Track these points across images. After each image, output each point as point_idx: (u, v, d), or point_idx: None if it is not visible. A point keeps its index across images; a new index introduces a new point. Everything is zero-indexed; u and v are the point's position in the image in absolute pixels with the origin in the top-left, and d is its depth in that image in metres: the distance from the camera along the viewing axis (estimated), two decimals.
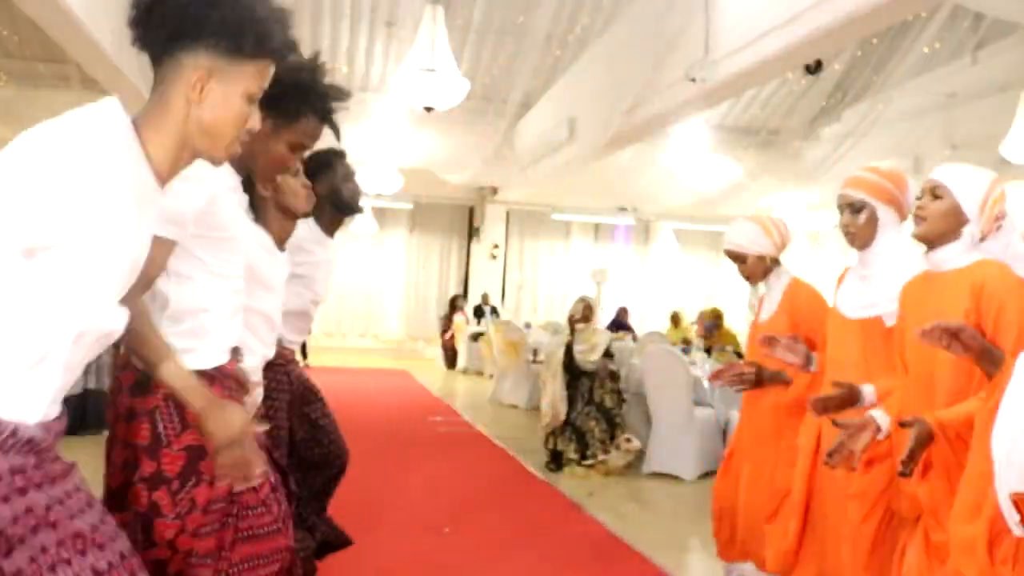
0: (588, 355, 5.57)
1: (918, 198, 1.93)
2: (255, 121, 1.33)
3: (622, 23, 7.38)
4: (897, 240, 2.11)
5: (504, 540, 3.94)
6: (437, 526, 4.05)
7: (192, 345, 1.61)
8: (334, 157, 2.70)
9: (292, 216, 2.19)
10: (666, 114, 6.92)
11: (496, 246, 14.03)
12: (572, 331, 5.70)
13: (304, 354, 11.55)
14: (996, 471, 1.48)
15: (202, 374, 1.56)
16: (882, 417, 1.87)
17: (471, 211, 14.28)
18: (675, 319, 11.55)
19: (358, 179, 2.80)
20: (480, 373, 11.38)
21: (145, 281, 1.44)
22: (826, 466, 1.88)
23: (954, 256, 1.86)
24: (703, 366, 5.77)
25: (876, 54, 8.46)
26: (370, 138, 10.30)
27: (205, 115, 1.26)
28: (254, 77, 1.29)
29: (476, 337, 11.61)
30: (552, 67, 9.32)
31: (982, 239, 1.83)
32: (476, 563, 3.61)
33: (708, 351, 6.69)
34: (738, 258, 2.68)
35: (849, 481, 2.03)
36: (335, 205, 2.71)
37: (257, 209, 2.03)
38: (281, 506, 1.76)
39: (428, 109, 6.56)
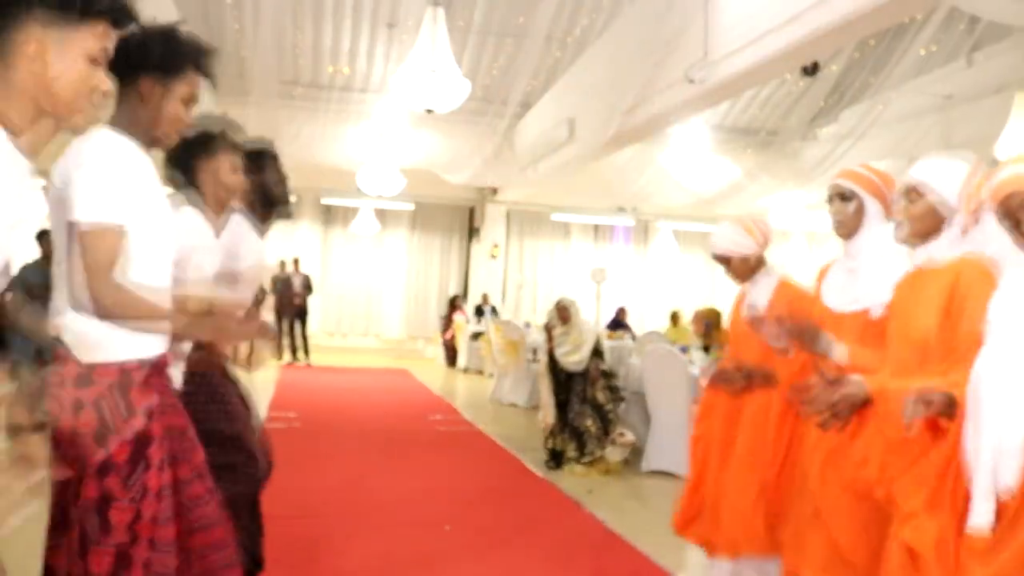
0: (572, 355, 5.58)
1: (885, 220, 2.02)
2: (104, 82, 1.37)
3: (622, 24, 7.40)
4: (882, 234, 2.16)
5: (504, 538, 3.95)
6: (438, 524, 4.06)
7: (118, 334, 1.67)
8: (267, 157, 2.73)
9: (223, 205, 2.32)
10: (665, 114, 6.94)
11: (496, 246, 14.05)
12: (550, 338, 5.73)
13: (306, 352, 11.61)
14: (980, 468, 1.51)
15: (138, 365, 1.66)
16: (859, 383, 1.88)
17: (471, 211, 14.31)
18: (674, 318, 11.59)
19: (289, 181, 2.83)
20: (480, 372, 11.40)
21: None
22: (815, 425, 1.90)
23: (939, 251, 1.87)
24: (702, 365, 5.80)
25: (873, 56, 8.49)
26: (371, 139, 10.33)
27: (49, 80, 1.30)
28: (92, 39, 1.34)
29: (476, 336, 11.64)
30: (552, 68, 9.35)
31: (964, 232, 1.83)
32: (477, 560, 3.62)
33: (707, 350, 6.71)
34: (723, 260, 2.75)
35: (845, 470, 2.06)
36: (263, 205, 2.74)
37: (196, 200, 2.19)
38: (218, 496, 1.84)
39: (429, 110, 6.59)
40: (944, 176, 1.87)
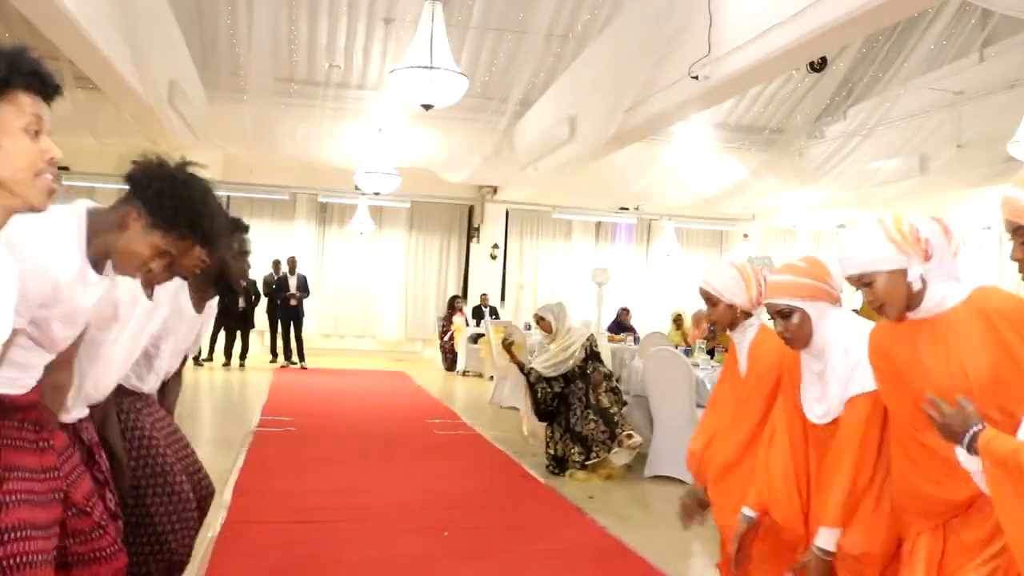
0: (559, 359, 5.48)
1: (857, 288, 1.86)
2: (51, 149, 1.30)
3: (623, 20, 7.31)
4: (835, 325, 2.06)
5: (504, 544, 3.88)
6: (436, 530, 3.99)
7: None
8: (235, 230, 2.62)
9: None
10: (668, 112, 6.86)
11: (496, 246, 13.94)
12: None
13: (301, 355, 11.49)
14: None
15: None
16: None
17: (471, 211, 14.21)
18: (677, 321, 11.45)
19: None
20: (480, 375, 11.30)
21: None
22: None
23: (943, 295, 1.76)
24: (706, 368, 5.70)
25: (882, 51, 8.37)
26: (368, 136, 10.23)
27: (1, 171, 1.25)
28: (20, 112, 1.27)
29: (475, 339, 11.53)
30: (552, 65, 9.24)
31: (927, 260, 1.75)
32: (475, 567, 3.56)
33: (711, 353, 6.61)
34: (709, 300, 2.55)
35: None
36: (216, 281, 2.64)
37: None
38: (115, 527, 1.82)
39: (427, 107, 6.48)
40: (871, 251, 1.78)
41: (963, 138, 8.32)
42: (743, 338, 2.50)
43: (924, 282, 1.75)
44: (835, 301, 2.10)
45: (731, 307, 2.50)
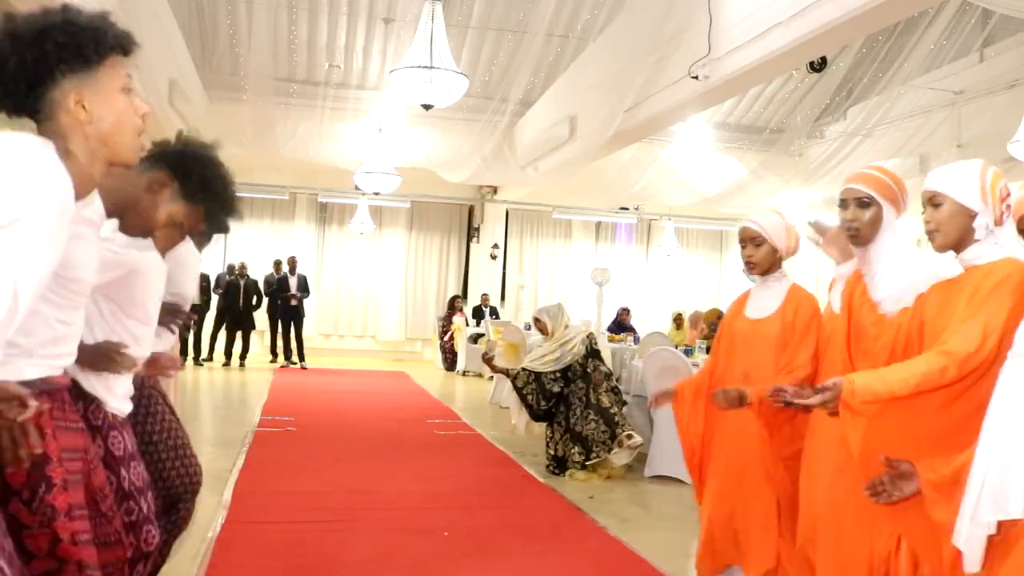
0: (557, 355, 5.49)
1: (922, 212, 1.91)
2: (141, 106, 1.47)
3: (624, 20, 7.30)
4: (896, 241, 2.10)
5: (504, 544, 3.87)
6: (436, 530, 3.98)
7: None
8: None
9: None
10: (668, 112, 6.86)
11: (496, 246, 13.93)
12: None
13: (301, 355, 11.49)
14: (968, 502, 1.43)
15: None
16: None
17: (470, 211, 14.20)
18: (677, 320, 11.45)
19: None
20: (480, 375, 11.29)
21: None
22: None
23: (982, 253, 1.83)
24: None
25: (882, 51, 8.37)
26: (368, 136, 10.23)
27: (102, 127, 1.41)
28: (115, 73, 1.44)
29: (475, 339, 11.52)
30: (553, 64, 9.24)
31: (997, 223, 1.82)
32: (475, 567, 3.55)
33: (710, 352, 6.59)
34: (753, 240, 2.61)
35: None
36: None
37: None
38: (118, 518, 1.85)
39: (427, 107, 6.48)
40: (960, 179, 1.84)
41: (963, 138, 8.31)
42: (777, 286, 2.60)
43: (981, 235, 1.81)
44: (899, 215, 2.13)
45: (773, 250, 2.60)
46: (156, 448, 2.42)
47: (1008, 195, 1.83)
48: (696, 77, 5.73)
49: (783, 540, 2.48)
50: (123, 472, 1.96)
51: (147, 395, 2.44)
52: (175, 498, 2.47)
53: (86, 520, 1.66)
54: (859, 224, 2.08)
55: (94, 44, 1.41)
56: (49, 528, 1.57)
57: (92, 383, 1.89)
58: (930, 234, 1.87)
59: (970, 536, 1.42)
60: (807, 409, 2.09)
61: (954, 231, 1.83)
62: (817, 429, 2.19)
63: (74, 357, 1.68)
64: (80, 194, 1.38)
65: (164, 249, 2.15)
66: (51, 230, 1.28)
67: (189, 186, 1.93)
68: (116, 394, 1.96)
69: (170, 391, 2.91)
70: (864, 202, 2.08)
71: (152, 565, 2.11)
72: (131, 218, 1.91)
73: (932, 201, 1.85)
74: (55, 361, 1.63)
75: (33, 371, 1.60)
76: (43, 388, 1.62)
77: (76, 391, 1.82)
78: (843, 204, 2.13)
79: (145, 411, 2.44)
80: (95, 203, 1.59)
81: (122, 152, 1.45)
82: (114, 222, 2.02)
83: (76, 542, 1.60)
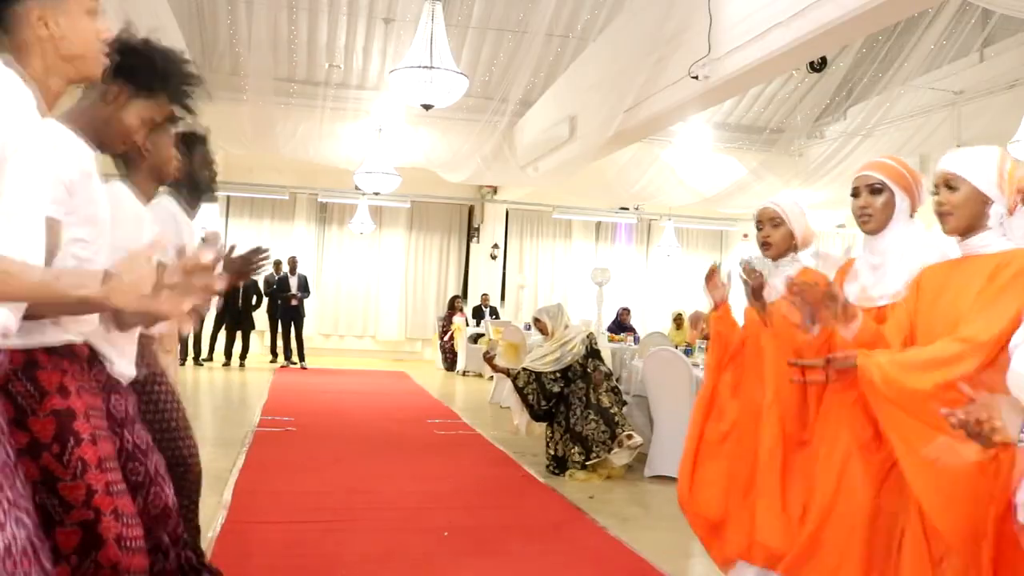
0: (557, 355, 5.49)
1: (934, 193, 1.89)
2: (106, 29, 1.48)
3: (624, 19, 7.30)
4: (908, 230, 2.09)
5: (504, 544, 3.87)
6: (436, 530, 3.98)
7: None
8: (195, 139, 2.72)
9: (159, 180, 2.32)
10: (668, 112, 6.86)
11: (496, 246, 13.94)
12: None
13: (301, 355, 11.49)
14: None
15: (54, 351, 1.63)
16: None
17: (470, 211, 14.20)
18: (677, 320, 11.44)
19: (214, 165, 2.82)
20: (480, 375, 11.29)
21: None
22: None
23: (990, 242, 1.83)
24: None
25: (882, 51, 8.37)
26: (368, 136, 10.23)
27: (63, 45, 1.40)
28: None
29: (475, 339, 11.52)
30: (553, 64, 9.24)
31: (1010, 214, 1.81)
32: (475, 567, 3.54)
33: None
34: (772, 220, 2.60)
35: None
36: (190, 189, 2.76)
37: (129, 166, 2.19)
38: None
39: (427, 107, 6.49)
40: (978, 164, 1.83)
41: (963, 138, 8.31)
42: (789, 270, 2.57)
43: (993, 223, 1.81)
44: (914, 210, 2.13)
45: (791, 235, 2.60)
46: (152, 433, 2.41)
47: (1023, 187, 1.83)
48: (696, 77, 5.73)
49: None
50: (125, 434, 1.96)
51: (145, 376, 2.41)
52: (183, 481, 2.47)
53: (119, 471, 1.71)
54: (871, 210, 2.08)
55: None
56: (83, 480, 1.61)
57: (103, 344, 1.89)
58: (942, 216, 1.86)
59: None
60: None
61: (967, 217, 1.83)
62: (829, 416, 2.17)
63: (95, 324, 1.71)
64: (41, 110, 1.38)
65: (147, 197, 2.15)
66: (34, 148, 1.29)
67: (140, 79, 1.88)
68: (125, 357, 1.97)
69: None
70: (876, 188, 2.08)
71: (175, 534, 2.13)
72: (110, 139, 1.89)
73: (948, 183, 1.84)
74: (81, 327, 1.68)
75: (57, 336, 1.65)
76: (66, 353, 1.67)
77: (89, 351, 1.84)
78: (855, 192, 2.13)
79: (141, 391, 2.41)
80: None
81: (83, 70, 1.45)
82: None
83: (111, 492, 1.65)
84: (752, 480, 2.49)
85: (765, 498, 2.39)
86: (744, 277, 2.49)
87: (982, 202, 1.82)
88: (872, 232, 2.11)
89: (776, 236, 2.60)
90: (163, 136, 2.26)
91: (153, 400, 2.46)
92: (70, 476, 1.61)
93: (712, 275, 2.74)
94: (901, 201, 2.08)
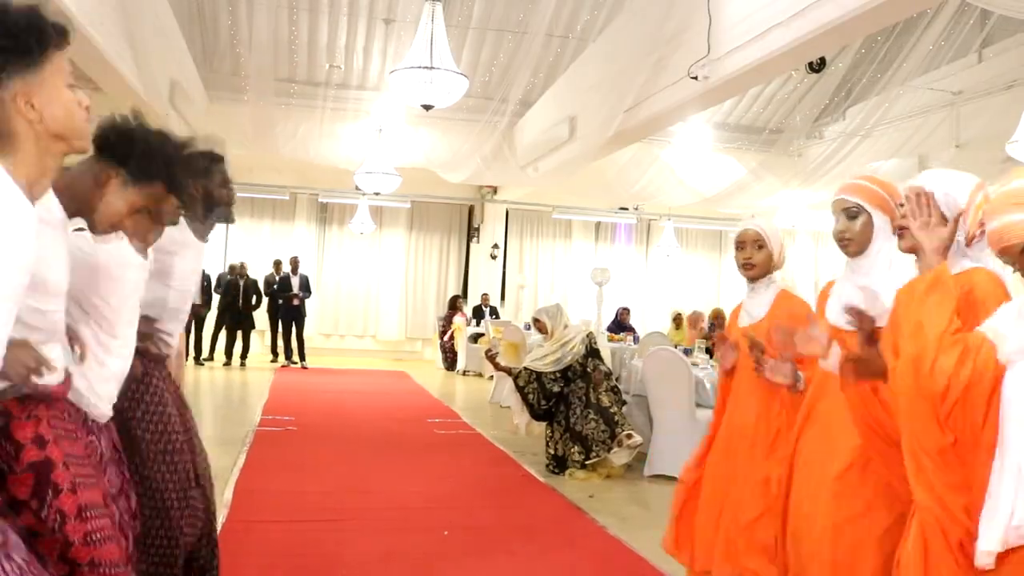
0: (558, 355, 5.50)
1: (900, 205, 1.87)
2: (84, 98, 1.46)
3: (623, 20, 7.31)
4: (890, 248, 2.07)
5: (504, 543, 3.89)
6: (436, 529, 4.00)
7: None
8: (213, 160, 2.64)
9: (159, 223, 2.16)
10: (668, 112, 6.87)
11: (496, 246, 13.95)
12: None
13: (302, 355, 11.50)
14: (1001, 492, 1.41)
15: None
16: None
17: (470, 211, 14.21)
18: (677, 320, 11.45)
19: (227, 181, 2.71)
20: (480, 375, 11.30)
21: None
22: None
23: (951, 265, 1.78)
24: (705, 367, 5.71)
25: (881, 52, 8.38)
26: (368, 137, 10.24)
27: (49, 123, 1.39)
28: (58, 68, 1.42)
29: (475, 338, 11.53)
30: (552, 65, 9.25)
31: (968, 243, 1.78)
32: (475, 566, 3.56)
33: (709, 352, 6.61)
34: (756, 242, 2.64)
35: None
36: (208, 209, 2.66)
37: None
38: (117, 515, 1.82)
39: (427, 107, 6.50)
40: (949, 190, 1.80)
41: (962, 138, 8.33)
42: (765, 292, 2.64)
43: (952, 248, 1.76)
44: (894, 221, 2.06)
45: (770, 256, 2.65)
46: (141, 450, 2.32)
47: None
48: (695, 77, 5.74)
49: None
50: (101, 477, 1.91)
51: (147, 392, 2.35)
52: (166, 503, 2.36)
53: (104, 519, 1.65)
54: (850, 234, 2.08)
55: (36, 41, 1.37)
56: (61, 532, 1.57)
57: (77, 386, 1.80)
58: (900, 232, 1.85)
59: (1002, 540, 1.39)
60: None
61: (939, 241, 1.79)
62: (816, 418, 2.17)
63: (62, 364, 1.63)
64: (36, 194, 1.39)
65: (143, 242, 2.05)
66: (10, 244, 1.27)
67: (134, 166, 1.82)
68: (100, 397, 1.89)
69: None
70: (852, 212, 2.08)
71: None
72: (93, 216, 1.84)
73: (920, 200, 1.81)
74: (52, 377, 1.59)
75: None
76: (40, 398, 1.61)
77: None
78: (835, 216, 2.13)
79: (137, 407, 2.34)
80: (51, 202, 1.56)
81: (74, 144, 1.45)
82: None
83: (89, 542, 1.60)
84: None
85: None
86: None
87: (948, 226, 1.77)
88: (854, 255, 2.11)
89: (759, 257, 2.65)
90: (143, 219, 2.12)
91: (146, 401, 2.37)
92: (48, 531, 1.57)
93: (723, 340, 2.73)
94: (880, 220, 2.07)
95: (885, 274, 2.05)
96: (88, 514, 1.61)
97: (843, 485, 1.99)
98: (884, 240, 2.07)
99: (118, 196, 1.83)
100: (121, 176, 1.81)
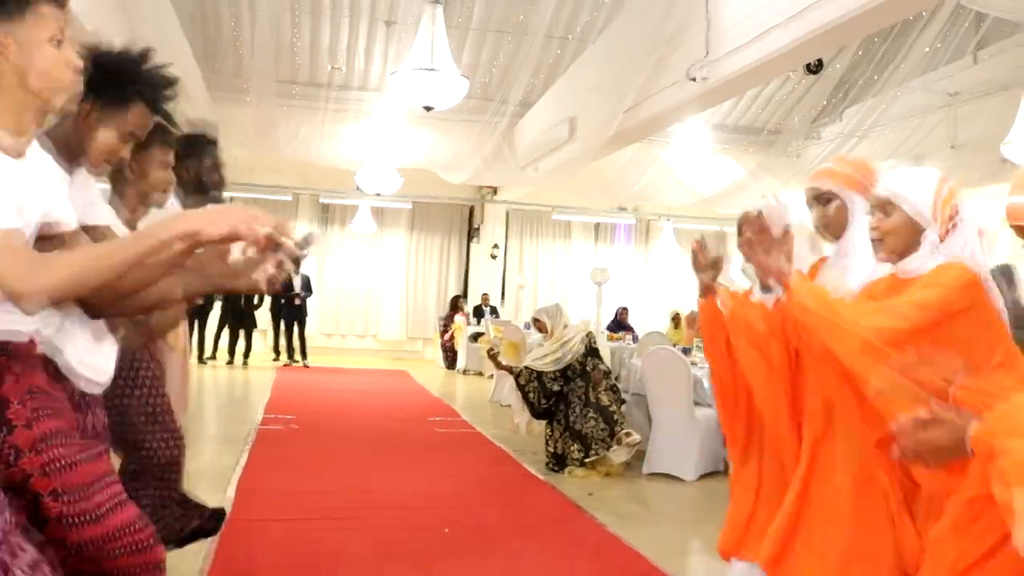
0: (558, 355, 5.54)
1: (869, 213, 1.90)
2: (74, 59, 1.44)
3: (623, 21, 7.34)
4: (867, 224, 2.06)
5: (504, 541, 3.92)
6: (437, 527, 4.02)
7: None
8: (205, 143, 2.69)
9: (146, 202, 2.26)
10: (667, 113, 6.89)
11: (496, 246, 13.99)
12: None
13: (303, 354, 11.55)
14: None
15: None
16: None
17: (471, 211, 14.25)
18: (676, 320, 11.49)
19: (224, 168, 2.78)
20: (480, 374, 11.34)
21: None
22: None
23: (920, 263, 1.82)
24: (703, 366, 5.74)
25: (878, 53, 8.41)
26: (369, 138, 10.28)
27: (29, 77, 1.37)
28: (44, 23, 1.39)
29: (476, 338, 11.57)
30: (552, 66, 9.29)
31: (941, 240, 1.80)
32: (476, 564, 3.58)
33: None
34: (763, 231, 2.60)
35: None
36: (197, 191, 2.72)
37: (115, 186, 2.15)
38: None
39: (428, 109, 6.54)
40: (914, 190, 1.82)
41: (958, 139, 8.36)
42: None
43: (925, 251, 1.79)
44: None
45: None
46: (130, 416, 2.38)
47: (957, 212, 1.80)
48: (694, 79, 5.77)
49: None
50: None
51: (136, 365, 2.39)
52: (159, 466, 2.44)
53: (68, 447, 1.56)
54: (826, 220, 2.10)
55: None
56: (16, 467, 1.51)
57: (67, 361, 1.77)
58: (873, 243, 1.87)
59: None
60: None
61: (899, 243, 1.83)
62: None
63: (37, 324, 1.57)
64: (18, 149, 1.37)
65: (164, 192, 2.13)
66: None
67: (110, 92, 1.78)
68: (91, 368, 1.84)
69: (179, 380, 2.90)
70: (825, 198, 2.09)
71: None
72: (93, 160, 1.82)
73: (884, 208, 1.84)
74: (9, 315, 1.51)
75: None
76: (5, 351, 1.53)
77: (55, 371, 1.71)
78: (809, 205, 2.14)
79: (127, 381, 2.38)
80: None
81: (56, 103, 1.43)
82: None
83: (47, 472, 1.53)
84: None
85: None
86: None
87: (915, 229, 1.81)
88: (833, 239, 2.13)
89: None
90: (150, 157, 2.21)
91: (132, 380, 2.41)
92: (3, 466, 1.51)
93: (698, 254, 2.51)
94: (854, 201, 2.06)
95: (868, 252, 2.03)
96: (42, 445, 1.53)
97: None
98: (860, 219, 2.06)
99: (104, 129, 1.80)
100: (97, 107, 1.78)
